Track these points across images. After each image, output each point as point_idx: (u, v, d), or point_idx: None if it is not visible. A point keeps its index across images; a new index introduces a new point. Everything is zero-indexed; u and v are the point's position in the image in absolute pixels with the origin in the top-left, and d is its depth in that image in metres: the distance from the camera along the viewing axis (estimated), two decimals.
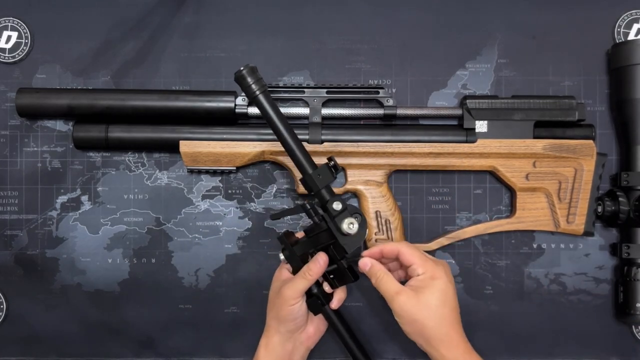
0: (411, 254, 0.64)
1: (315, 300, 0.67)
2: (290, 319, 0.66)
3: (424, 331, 0.61)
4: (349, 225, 0.62)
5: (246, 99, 0.73)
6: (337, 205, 0.62)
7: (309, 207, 0.64)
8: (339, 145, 0.72)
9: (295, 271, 0.67)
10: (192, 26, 0.77)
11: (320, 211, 0.64)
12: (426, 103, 0.77)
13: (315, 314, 0.68)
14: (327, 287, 0.67)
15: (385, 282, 0.63)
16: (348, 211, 0.63)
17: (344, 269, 0.65)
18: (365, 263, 0.65)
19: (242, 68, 0.60)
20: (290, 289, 0.65)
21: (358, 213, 0.64)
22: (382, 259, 0.67)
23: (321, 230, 0.64)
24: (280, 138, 0.62)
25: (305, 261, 0.67)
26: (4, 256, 0.77)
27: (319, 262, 0.64)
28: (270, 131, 0.72)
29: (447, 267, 0.65)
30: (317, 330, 0.70)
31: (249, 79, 0.60)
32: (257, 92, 0.61)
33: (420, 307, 0.61)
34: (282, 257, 0.67)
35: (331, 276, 0.67)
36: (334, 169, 0.63)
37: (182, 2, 0.77)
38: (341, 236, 0.63)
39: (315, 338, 0.70)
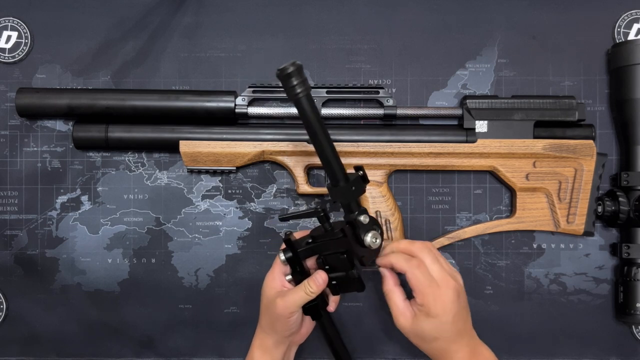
0: (414, 282, 0.62)
1: (315, 307, 0.66)
2: (286, 329, 0.66)
3: (443, 326, 0.61)
4: (373, 240, 0.61)
5: (246, 98, 0.73)
6: (364, 219, 0.61)
7: (322, 213, 0.61)
8: (339, 145, 0.72)
9: (294, 276, 0.66)
10: (192, 26, 0.77)
11: (331, 218, 0.63)
12: (426, 103, 0.77)
13: (314, 319, 0.68)
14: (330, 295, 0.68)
15: (392, 296, 0.63)
16: (371, 223, 0.62)
17: (353, 278, 0.64)
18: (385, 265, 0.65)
19: (288, 65, 0.53)
20: (288, 302, 0.63)
21: (376, 224, 0.63)
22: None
23: (334, 238, 0.62)
24: (318, 146, 0.59)
25: (306, 271, 0.66)
26: (4, 256, 0.77)
27: (319, 282, 0.64)
28: (270, 131, 0.73)
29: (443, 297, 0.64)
30: (308, 329, 0.70)
31: (294, 79, 0.53)
32: (301, 95, 0.55)
33: (440, 300, 0.61)
34: (282, 257, 0.65)
35: (333, 282, 0.65)
36: (363, 180, 0.62)
37: (182, 2, 0.77)
38: (360, 248, 0.62)
39: (306, 336, 0.70)
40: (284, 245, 0.66)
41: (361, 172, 0.62)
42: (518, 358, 0.76)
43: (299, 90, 0.54)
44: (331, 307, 0.68)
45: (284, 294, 0.64)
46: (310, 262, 0.67)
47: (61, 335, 0.77)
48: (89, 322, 0.77)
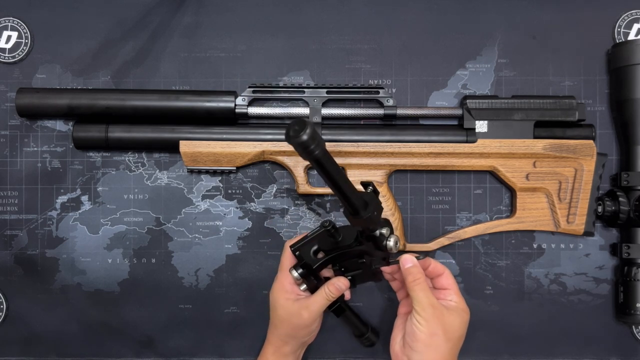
0: (453, 280, 0.65)
1: (340, 307, 0.67)
2: (308, 334, 0.67)
3: (436, 349, 0.61)
4: (395, 244, 0.61)
5: (246, 98, 0.73)
6: (386, 231, 0.61)
7: (332, 229, 0.60)
8: (339, 145, 0.72)
9: (308, 285, 0.66)
10: (192, 26, 0.77)
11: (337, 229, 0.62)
12: (426, 103, 0.77)
13: (339, 316, 0.69)
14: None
15: (424, 289, 0.62)
16: (389, 229, 0.61)
17: (374, 273, 0.65)
18: (408, 260, 0.63)
19: (301, 132, 0.47)
20: (312, 311, 0.64)
21: (388, 225, 0.62)
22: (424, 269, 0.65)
23: (352, 249, 0.62)
24: (337, 189, 0.54)
25: (317, 275, 0.66)
26: (4, 256, 0.77)
27: (341, 288, 0.64)
28: (270, 131, 0.73)
29: None
30: (318, 328, 0.70)
31: (311, 144, 0.47)
32: (319, 155, 0.49)
33: (447, 327, 0.61)
34: (296, 274, 0.65)
35: (349, 277, 0.66)
36: (376, 195, 0.60)
37: (182, 2, 0.77)
38: (378, 251, 0.62)
39: (316, 334, 0.71)
40: (287, 253, 0.66)
41: (370, 187, 0.60)
42: (518, 358, 0.76)
43: (317, 152, 0.48)
44: (347, 296, 0.69)
45: (308, 305, 0.64)
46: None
47: (61, 335, 0.77)
48: (89, 322, 0.77)
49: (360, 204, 0.56)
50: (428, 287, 0.62)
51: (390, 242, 0.60)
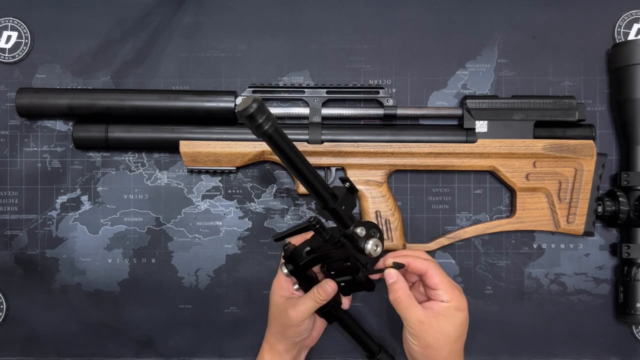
0: (441, 278, 0.63)
1: (330, 310, 0.67)
2: (298, 335, 0.66)
3: (433, 357, 0.61)
4: (374, 248, 0.60)
5: None
6: (361, 231, 0.60)
7: (317, 225, 0.59)
8: (339, 145, 0.72)
9: (301, 284, 0.66)
10: (192, 26, 0.77)
11: (327, 228, 0.62)
12: (426, 103, 0.77)
13: (331, 322, 0.68)
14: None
15: (406, 306, 0.61)
16: (368, 232, 0.60)
17: (361, 282, 0.64)
18: (391, 275, 0.63)
19: (248, 105, 0.48)
20: (299, 312, 0.64)
21: (375, 228, 0.61)
22: (405, 273, 0.65)
23: (334, 248, 0.62)
24: (298, 174, 0.55)
25: (312, 276, 0.66)
26: (4, 256, 0.77)
27: (328, 291, 0.64)
28: None
29: (465, 298, 0.64)
30: (319, 332, 0.71)
31: (258, 117, 0.49)
32: (269, 130, 0.50)
33: (439, 336, 0.61)
34: (285, 271, 0.65)
35: (342, 284, 0.65)
36: (352, 192, 0.60)
37: (182, 2, 0.77)
38: (362, 256, 0.61)
39: (317, 339, 0.71)
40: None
41: (347, 184, 0.60)
42: (518, 358, 0.76)
43: (266, 127, 0.50)
44: (345, 304, 0.69)
45: (295, 304, 0.64)
46: (316, 267, 0.67)
47: (61, 335, 0.77)
48: (89, 322, 0.77)
49: (327, 194, 0.57)
50: (411, 302, 0.62)
51: (368, 246, 0.59)
